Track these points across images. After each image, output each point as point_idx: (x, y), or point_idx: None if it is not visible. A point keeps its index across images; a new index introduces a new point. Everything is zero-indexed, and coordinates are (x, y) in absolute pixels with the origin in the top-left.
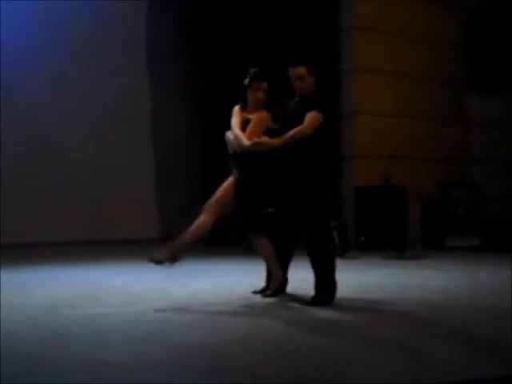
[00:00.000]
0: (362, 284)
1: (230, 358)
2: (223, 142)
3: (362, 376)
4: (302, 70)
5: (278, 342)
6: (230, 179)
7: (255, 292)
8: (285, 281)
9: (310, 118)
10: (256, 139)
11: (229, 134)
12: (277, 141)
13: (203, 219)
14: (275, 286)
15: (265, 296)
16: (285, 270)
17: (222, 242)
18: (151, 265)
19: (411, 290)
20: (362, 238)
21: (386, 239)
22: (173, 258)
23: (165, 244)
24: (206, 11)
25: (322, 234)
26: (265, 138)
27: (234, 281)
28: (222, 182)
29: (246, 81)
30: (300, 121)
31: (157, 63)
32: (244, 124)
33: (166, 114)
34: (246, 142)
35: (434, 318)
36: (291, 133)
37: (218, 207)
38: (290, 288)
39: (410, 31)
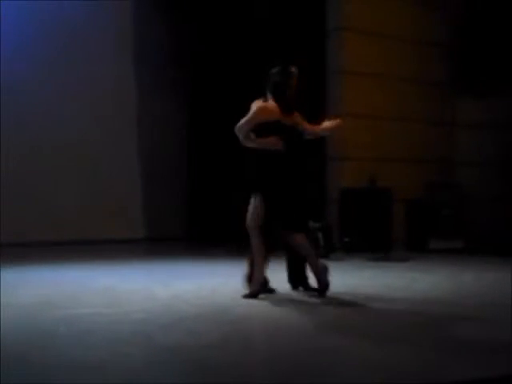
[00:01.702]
0: (345, 285)
1: (212, 360)
2: (208, 143)
3: (347, 376)
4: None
5: (259, 343)
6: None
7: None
8: (265, 282)
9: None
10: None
11: None
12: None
13: (253, 243)
14: (256, 287)
15: (245, 297)
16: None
17: (206, 243)
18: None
19: (395, 291)
20: (346, 240)
21: (370, 241)
22: (262, 285)
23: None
24: (192, 9)
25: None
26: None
27: (218, 282)
28: (205, 182)
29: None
30: None
31: (144, 64)
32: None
33: (152, 114)
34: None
35: (417, 319)
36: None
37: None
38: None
39: (398, 33)
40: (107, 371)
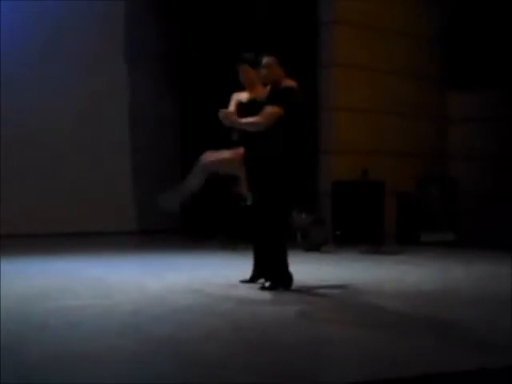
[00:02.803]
0: (337, 278)
1: (202, 351)
2: (201, 137)
3: (335, 367)
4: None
5: (250, 335)
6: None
7: (243, 281)
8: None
9: (267, 112)
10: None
11: None
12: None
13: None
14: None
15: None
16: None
17: (197, 235)
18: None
19: (386, 283)
20: (338, 232)
21: (362, 234)
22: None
23: None
24: (183, 7)
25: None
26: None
27: (209, 274)
28: None
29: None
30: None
31: (136, 62)
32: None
33: (143, 107)
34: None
35: (407, 311)
36: (244, 120)
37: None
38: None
39: (389, 26)
40: (98, 362)
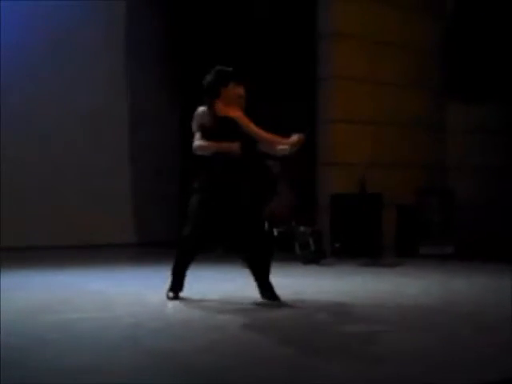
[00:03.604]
0: (336, 290)
1: (200, 365)
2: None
3: (333, 380)
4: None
5: (248, 347)
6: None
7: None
8: None
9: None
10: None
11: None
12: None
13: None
14: None
15: None
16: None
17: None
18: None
19: (385, 295)
20: (337, 245)
21: (360, 246)
22: None
23: None
24: (185, 6)
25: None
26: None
27: (207, 287)
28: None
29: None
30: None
31: (136, 63)
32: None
33: (144, 115)
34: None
35: (405, 323)
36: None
37: None
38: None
39: (389, 38)
40: (97, 376)
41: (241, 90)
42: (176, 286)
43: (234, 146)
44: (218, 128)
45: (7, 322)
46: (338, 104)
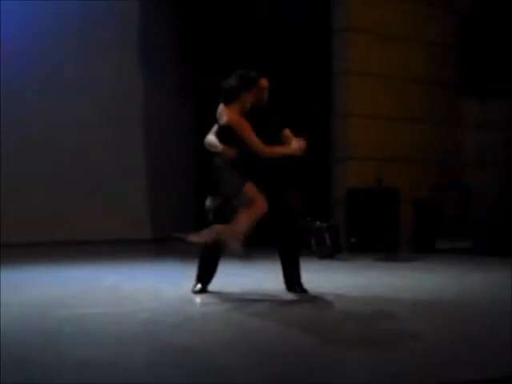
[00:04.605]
0: (352, 285)
1: (218, 360)
2: None
3: (350, 375)
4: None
5: (265, 343)
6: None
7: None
8: None
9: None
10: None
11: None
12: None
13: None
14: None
15: None
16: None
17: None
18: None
19: (402, 291)
20: (353, 240)
21: (377, 241)
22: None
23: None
24: (198, 9)
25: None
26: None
27: (224, 282)
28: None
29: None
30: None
31: (149, 62)
32: None
33: (158, 113)
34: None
35: (423, 319)
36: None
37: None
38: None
39: (404, 33)
40: (112, 371)
41: (265, 82)
42: (204, 279)
43: (231, 152)
44: (220, 132)
45: (22, 317)
46: (353, 98)
